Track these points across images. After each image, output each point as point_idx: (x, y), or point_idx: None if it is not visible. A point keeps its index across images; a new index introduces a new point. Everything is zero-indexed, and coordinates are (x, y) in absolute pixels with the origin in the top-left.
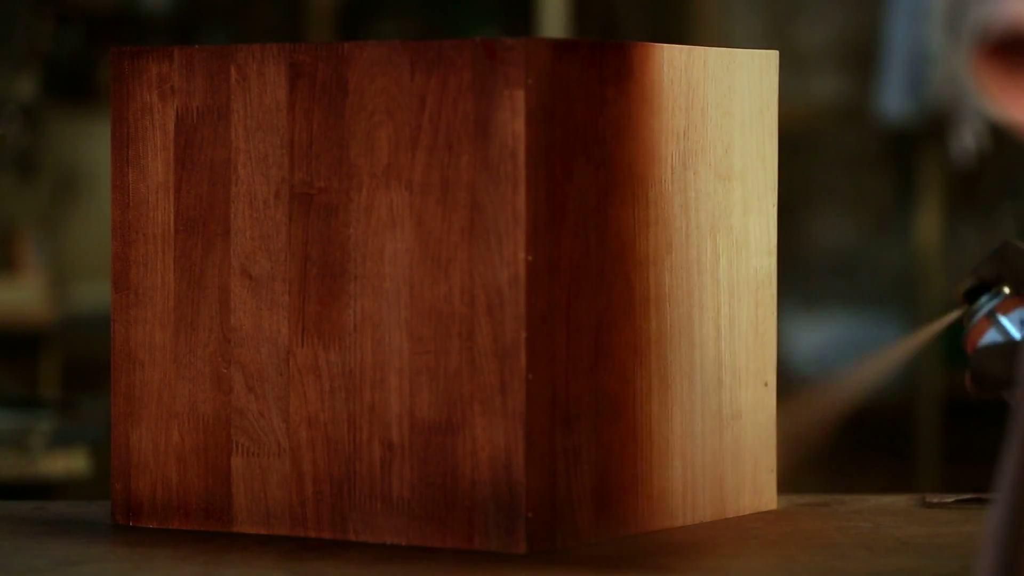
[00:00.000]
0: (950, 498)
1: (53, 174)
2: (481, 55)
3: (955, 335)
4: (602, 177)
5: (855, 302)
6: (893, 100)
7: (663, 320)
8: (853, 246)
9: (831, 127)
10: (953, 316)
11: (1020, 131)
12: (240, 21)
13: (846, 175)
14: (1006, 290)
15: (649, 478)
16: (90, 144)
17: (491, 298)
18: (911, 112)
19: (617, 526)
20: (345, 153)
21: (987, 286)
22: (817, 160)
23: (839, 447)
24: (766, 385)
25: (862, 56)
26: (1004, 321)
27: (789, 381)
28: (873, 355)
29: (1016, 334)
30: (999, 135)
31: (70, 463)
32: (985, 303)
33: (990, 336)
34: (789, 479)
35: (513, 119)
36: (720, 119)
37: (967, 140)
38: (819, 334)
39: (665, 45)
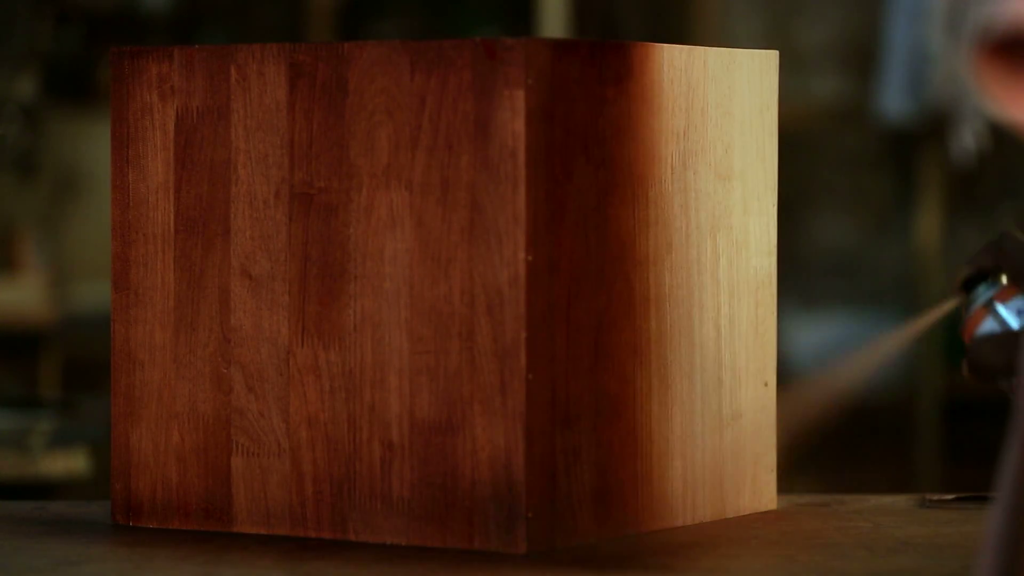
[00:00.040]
0: (950, 497)
1: (53, 174)
2: (481, 55)
3: (955, 337)
4: (602, 177)
5: (855, 302)
6: (893, 100)
7: (663, 320)
8: (853, 246)
9: (831, 127)
10: (950, 305)
11: (1020, 131)
12: (240, 21)
13: (846, 175)
14: (1004, 280)
15: (649, 478)
16: (90, 144)
17: (491, 298)
18: (911, 112)
19: (617, 526)
20: (345, 153)
21: (985, 275)
22: (817, 160)
23: (839, 447)
24: (766, 385)
25: (862, 56)
26: (1002, 310)
27: (789, 381)
28: (871, 343)
29: (1014, 324)
30: (999, 135)
31: (70, 463)
32: (983, 292)
33: (988, 325)
34: (789, 478)
35: (513, 119)
36: (720, 119)
37: (967, 140)
38: (819, 334)
39: (665, 45)
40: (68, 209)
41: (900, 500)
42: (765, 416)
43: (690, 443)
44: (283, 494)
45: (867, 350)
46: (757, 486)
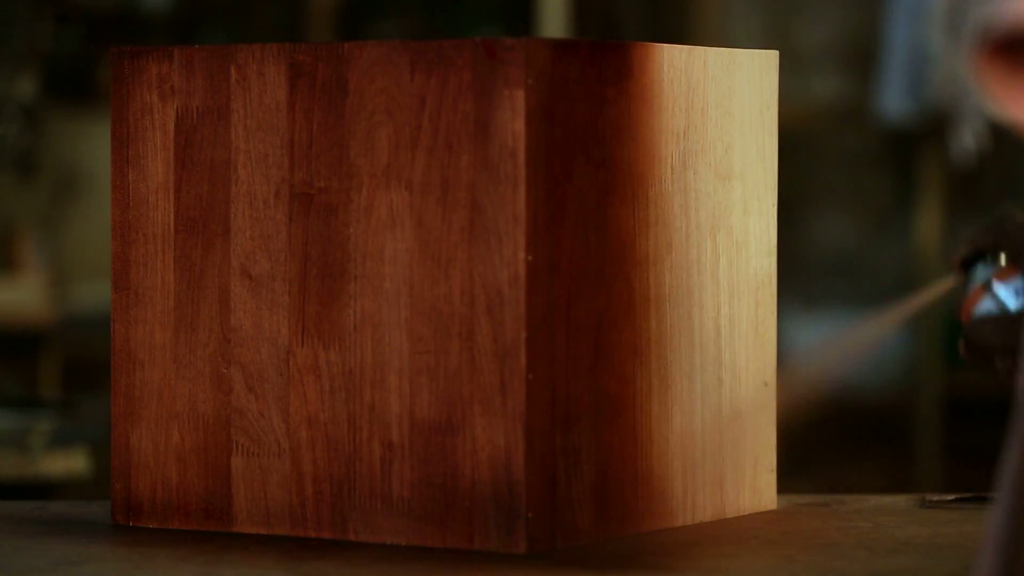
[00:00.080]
0: (950, 497)
1: (53, 174)
2: (481, 55)
3: (955, 337)
4: (602, 177)
5: (855, 302)
6: (893, 100)
7: (663, 320)
8: (853, 246)
9: (831, 127)
10: (948, 284)
11: (1020, 131)
12: (240, 21)
13: (846, 175)
14: (1003, 260)
15: (649, 478)
16: (90, 144)
17: (491, 298)
18: (911, 112)
19: (617, 526)
20: (345, 153)
21: (984, 255)
22: (817, 160)
23: (839, 447)
24: (766, 385)
25: (862, 56)
26: (1000, 291)
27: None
28: (867, 321)
29: (1011, 304)
30: (999, 135)
31: (70, 463)
32: (981, 272)
33: (985, 306)
34: (789, 478)
35: (513, 119)
36: (720, 119)
37: (967, 140)
38: (819, 334)
39: (665, 45)
40: (68, 209)
41: (900, 500)
42: (765, 416)
43: (690, 443)
44: (283, 494)
45: (864, 327)
46: (757, 486)
